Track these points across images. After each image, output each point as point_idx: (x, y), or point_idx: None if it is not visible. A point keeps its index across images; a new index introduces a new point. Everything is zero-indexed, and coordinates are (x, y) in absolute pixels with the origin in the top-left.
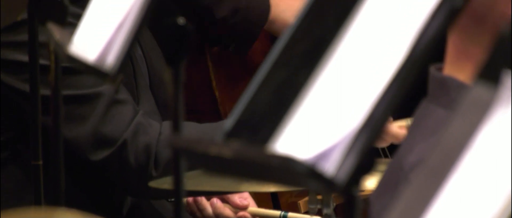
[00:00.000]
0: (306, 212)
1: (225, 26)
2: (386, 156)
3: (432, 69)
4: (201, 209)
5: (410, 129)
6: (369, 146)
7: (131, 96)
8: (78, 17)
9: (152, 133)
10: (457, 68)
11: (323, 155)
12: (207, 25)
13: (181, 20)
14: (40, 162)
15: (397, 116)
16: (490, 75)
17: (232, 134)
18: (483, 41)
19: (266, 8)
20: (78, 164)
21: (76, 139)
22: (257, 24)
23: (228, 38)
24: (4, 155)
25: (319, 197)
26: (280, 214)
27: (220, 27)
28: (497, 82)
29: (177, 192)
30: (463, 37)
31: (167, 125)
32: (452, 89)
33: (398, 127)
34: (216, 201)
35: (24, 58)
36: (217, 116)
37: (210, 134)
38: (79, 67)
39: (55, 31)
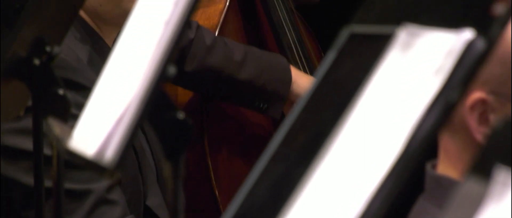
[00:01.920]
0: None
1: (253, 87)
2: None
3: (428, 167)
4: None
5: None
6: None
7: (136, 191)
8: (81, 107)
9: None
10: (449, 166)
11: None
12: (233, 91)
13: (180, 115)
14: None
15: None
16: (481, 170)
17: None
18: (462, 143)
19: (286, 65)
20: None
21: None
22: (284, 81)
23: (260, 99)
24: None
25: None
26: None
27: (247, 88)
28: (489, 177)
29: None
30: (447, 137)
31: None
32: (447, 188)
33: None
34: None
35: (26, 145)
36: (217, 215)
37: None
38: (78, 161)
39: (56, 126)
